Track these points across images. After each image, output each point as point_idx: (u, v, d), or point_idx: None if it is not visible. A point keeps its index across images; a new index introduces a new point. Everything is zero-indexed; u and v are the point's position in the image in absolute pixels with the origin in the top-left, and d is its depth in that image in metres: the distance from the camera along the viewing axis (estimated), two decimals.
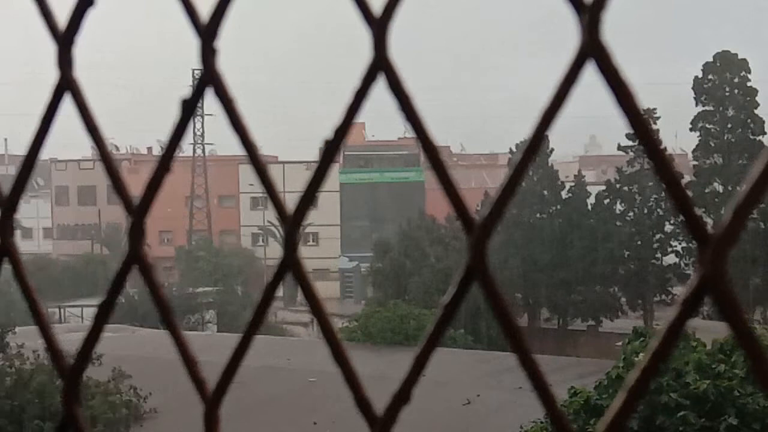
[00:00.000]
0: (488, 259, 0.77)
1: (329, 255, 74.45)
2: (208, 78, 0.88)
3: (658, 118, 51.36)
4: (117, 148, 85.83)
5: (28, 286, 1.01)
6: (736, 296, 0.69)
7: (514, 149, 51.96)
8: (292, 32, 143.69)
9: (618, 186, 53.72)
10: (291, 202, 0.85)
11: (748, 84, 52.06)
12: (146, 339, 39.18)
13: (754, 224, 46.27)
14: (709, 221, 22.09)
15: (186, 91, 0.91)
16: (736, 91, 52.01)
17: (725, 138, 51.92)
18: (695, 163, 53.08)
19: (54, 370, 1.85)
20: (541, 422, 19.11)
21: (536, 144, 0.75)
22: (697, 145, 53.00)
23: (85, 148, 75.43)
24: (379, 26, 0.80)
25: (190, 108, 0.91)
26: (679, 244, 52.00)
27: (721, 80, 52.11)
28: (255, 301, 0.90)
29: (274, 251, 71.39)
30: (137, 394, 27.48)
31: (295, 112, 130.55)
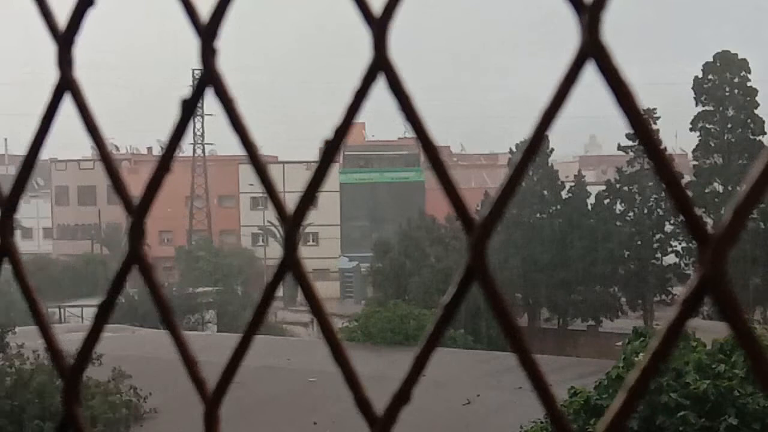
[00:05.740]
0: (488, 259, 0.77)
1: (329, 255, 74.44)
2: (208, 78, 0.88)
3: (658, 118, 51.37)
4: (117, 148, 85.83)
5: (28, 286, 1.01)
6: (736, 296, 0.69)
7: (514, 149, 51.97)
8: (292, 32, 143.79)
9: (618, 186, 53.72)
10: (291, 202, 0.85)
11: (748, 84, 52.07)
12: (146, 339, 39.18)
13: (754, 224, 46.28)
14: (709, 221, 22.11)
15: (186, 91, 0.91)
16: (736, 91, 52.02)
17: (725, 138, 51.93)
18: (695, 163, 53.10)
19: (54, 370, 1.85)
20: (541, 422, 19.12)
21: (536, 144, 0.75)
22: (697, 145, 53.02)
23: (85, 148, 75.53)
24: (379, 26, 0.80)
25: (190, 108, 0.91)
26: (679, 244, 52.02)
27: (721, 80, 52.13)
28: (255, 301, 0.90)
29: (274, 251, 71.38)
30: (137, 394, 27.46)
31: (295, 112, 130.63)
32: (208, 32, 0.87)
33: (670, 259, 53.24)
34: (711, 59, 52.54)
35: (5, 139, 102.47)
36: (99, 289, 29.07)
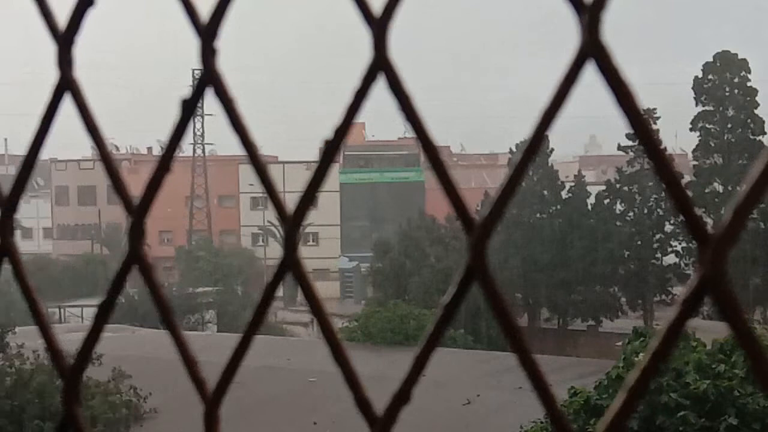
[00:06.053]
0: (488, 259, 0.77)
1: (329, 255, 74.44)
2: (208, 78, 0.88)
3: (658, 118, 51.38)
4: (117, 148, 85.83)
5: (28, 286, 1.01)
6: (736, 296, 0.69)
7: (514, 149, 51.97)
8: (292, 32, 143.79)
9: (618, 186, 53.73)
10: (291, 202, 0.85)
11: (748, 84, 52.07)
12: (146, 339, 39.17)
13: (754, 224, 46.28)
14: (709, 221, 22.10)
15: (186, 91, 0.91)
16: (736, 91, 52.02)
17: (725, 138, 51.94)
18: (695, 163, 53.11)
19: (54, 370, 1.85)
20: (541, 422, 19.12)
21: (536, 144, 0.75)
22: (697, 145, 53.03)
23: (85, 148, 75.54)
24: (379, 26, 0.80)
25: (190, 108, 0.91)
26: (679, 244, 52.02)
27: (721, 80, 52.13)
28: (255, 301, 0.90)
29: (274, 251, 71.38)
30: (137, 394, 27.46)
31: (295, 112, 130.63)
32: (208, 32, 0.87)
33: (670, 259, 53.25)
34: (711, 59, 52.54)
35: (5, 139, 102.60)
36: (99, 289, 29.07)
